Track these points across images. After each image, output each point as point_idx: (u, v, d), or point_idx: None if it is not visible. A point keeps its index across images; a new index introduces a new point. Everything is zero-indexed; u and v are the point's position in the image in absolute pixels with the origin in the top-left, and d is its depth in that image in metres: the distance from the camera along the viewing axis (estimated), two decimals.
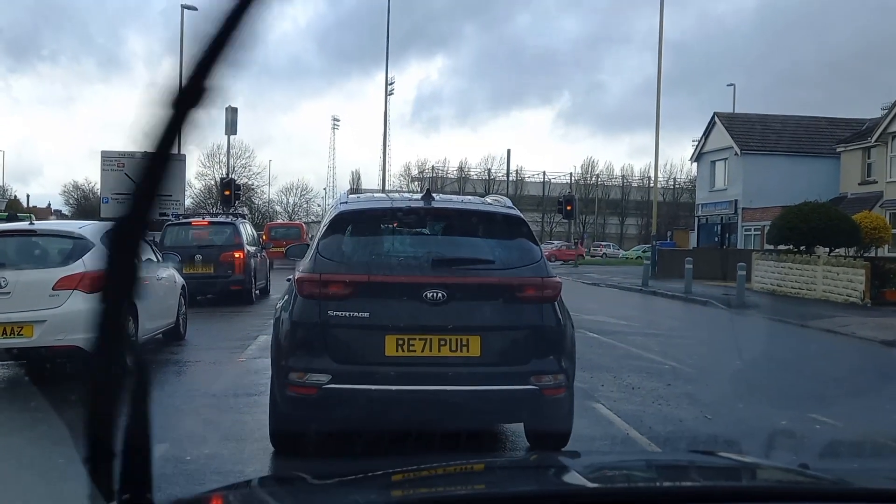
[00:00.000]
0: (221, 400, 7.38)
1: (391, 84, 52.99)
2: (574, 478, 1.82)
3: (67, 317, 7.94)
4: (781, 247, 26.36)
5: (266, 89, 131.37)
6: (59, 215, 68.34)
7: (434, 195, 5.70)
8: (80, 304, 7.99)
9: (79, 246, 8.60)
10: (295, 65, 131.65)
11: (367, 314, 5.03)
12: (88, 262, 8.34)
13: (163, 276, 10.71)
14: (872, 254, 26.17)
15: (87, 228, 9.14)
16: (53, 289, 8.06)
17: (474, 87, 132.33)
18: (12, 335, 7.90)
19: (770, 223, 27.94)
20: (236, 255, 17.00)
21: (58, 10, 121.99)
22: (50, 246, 8.89)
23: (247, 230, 18.80)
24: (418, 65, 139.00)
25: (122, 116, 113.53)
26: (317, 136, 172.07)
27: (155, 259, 10.83)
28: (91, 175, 64.17)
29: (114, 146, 37.79)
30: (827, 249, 25.07)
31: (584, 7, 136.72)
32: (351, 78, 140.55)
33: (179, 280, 11.62)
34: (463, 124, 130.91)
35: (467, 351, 5.06)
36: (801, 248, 24.99)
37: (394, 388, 5.00)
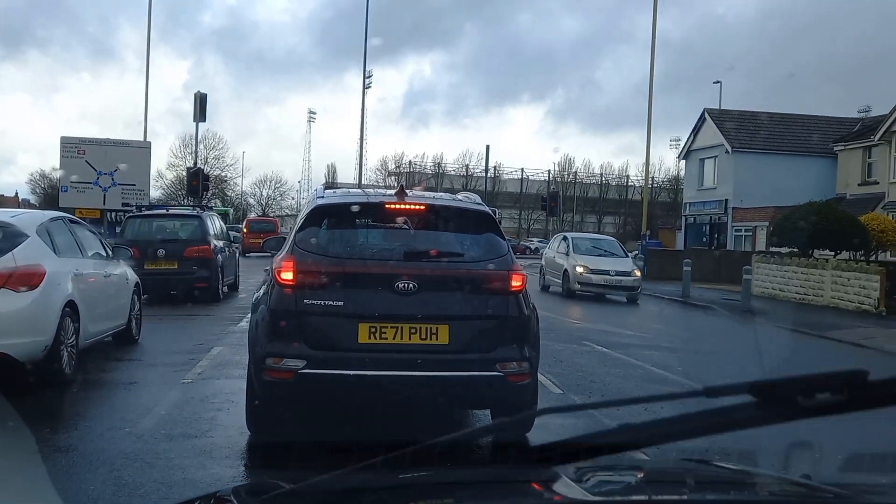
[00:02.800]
0: (149, 444, 5.60)
1: (369, 77, 51.54)
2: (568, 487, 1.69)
3: None
4: (784, 249, 24.92)
5: (256, 80, 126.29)
6: (27, 205, 65.47)
7: (407, 191, 5.88)
8: (9, 305, 6.85)
9: (9, 237, 7.33)
10: (290, 57, 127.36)
11: (341, 303, 5.26)
12: (20, 256, 7.13)
13: (112, 273, 9.51)
14: (875, 258, 24.77)
15: (22, 217, 8.10)
16: None
17: (467, 83, 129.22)
18: None
19: (769, 224, 26.60)
20: (202, 249, 15.70)
21: None
22: None
23: (214, 223, 17.54)
24: (415, 61, 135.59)
25: (106, 106, 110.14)
26: (301, 130, 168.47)
27: (104, 254, 9.59)
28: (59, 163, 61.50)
29: (90, 134, 35.50)
30: (832, 253, 23.65)
31: (588, 6, 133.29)
32: (348, 72, 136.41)
33: (132, 277, 10.44)
34: (453, 121, 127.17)
35: (436, 339, 5.28)
36: (803, 250, 23.56)
37: (366, 373, 5.18)
